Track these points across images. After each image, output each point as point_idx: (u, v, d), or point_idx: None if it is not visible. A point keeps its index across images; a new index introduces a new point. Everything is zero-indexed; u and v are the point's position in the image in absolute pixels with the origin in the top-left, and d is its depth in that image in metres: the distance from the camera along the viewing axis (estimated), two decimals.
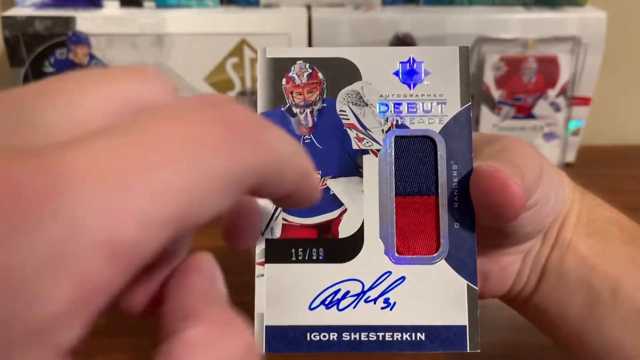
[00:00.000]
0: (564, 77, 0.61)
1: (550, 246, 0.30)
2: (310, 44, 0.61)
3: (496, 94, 0.62)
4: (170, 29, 0.59)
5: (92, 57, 0.60)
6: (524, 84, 0.61)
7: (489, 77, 0.61)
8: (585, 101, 0.63)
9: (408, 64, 0.26)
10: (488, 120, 0.63)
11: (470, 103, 0.26)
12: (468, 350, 0.24)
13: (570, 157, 0.64)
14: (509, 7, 0.62)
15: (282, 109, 0.26)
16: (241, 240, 0.22)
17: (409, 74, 0.26)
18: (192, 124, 0.13)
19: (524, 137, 0.59)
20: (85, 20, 0.59)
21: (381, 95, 0.26)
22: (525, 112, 0.62)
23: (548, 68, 0.61)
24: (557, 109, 0.63)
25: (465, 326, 0.24)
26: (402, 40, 0.59)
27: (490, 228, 0.26)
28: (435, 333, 0.24)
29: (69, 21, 0.59)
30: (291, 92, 0.26)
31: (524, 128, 0.63)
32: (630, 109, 0.73)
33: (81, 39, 0.59)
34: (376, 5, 0.63)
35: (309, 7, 0.62)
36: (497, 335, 0.40)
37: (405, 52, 0.26)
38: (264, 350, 0.24)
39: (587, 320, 0.29)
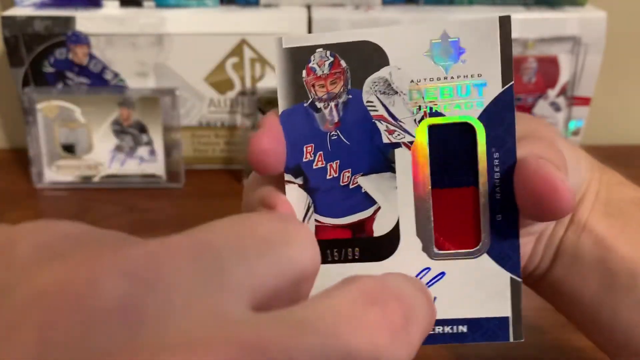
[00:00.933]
0: (564, 77, 0.61)
1: (565, 226, 0.29)
2: None
3: None
4: (170, 28, 0.59)
5: (91, 57, 0.60)
6: (524, 84, 0.61)
7: None
8: (585, 101, 0.63)
9: (441, 43, 0.23)
10: None
11: (512, 82, 0.23)
12: (511, 340, 0.24)
13: None
14: (509, 7, 0.62)
15: (305, 105, 0.24)
16: (270, 161, 0.23)
17: (443, 54, 0.23)
18: None
19: None
20: (84, 20, 0.59)
21: (412, 81, 0.23)
22: (526, 112, 0.62)
23: (548, 68, 0.61)
24: (557, 109, 0.63)
25: (508, 317, 0.24)
26: None
27: None
28: (477, 325, 0.24)
29: (68, 21, 0.59)
30: (313, 85, 0.24)
31: None
32: (630, 109, 0.73)
33: (81, 39, 0.59)
34: (376, 5, 0.63)
35: (309, 7, 0.62)
36: None
37: (438, 28, 0.23)
38: None
39: (603, 302, 0.28)
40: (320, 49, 0.24)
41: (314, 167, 0.24)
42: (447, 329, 0.24)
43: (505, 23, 0.23)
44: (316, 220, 0.24)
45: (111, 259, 0.13)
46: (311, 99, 0.24)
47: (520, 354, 0.38)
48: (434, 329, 0.24)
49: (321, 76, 0.24)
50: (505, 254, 0.24)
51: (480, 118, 0.23)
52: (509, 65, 0.23)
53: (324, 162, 0.24)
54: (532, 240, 0.30)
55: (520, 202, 0.23)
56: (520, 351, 0.39)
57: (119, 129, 0.61)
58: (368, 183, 0.24)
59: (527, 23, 0.60)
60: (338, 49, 0.23)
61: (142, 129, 0.61)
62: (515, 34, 0.60)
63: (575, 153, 0.29)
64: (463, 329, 0.24)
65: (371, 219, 0.24)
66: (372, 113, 0.24)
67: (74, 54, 0.59)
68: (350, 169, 0.24)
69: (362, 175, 0.24)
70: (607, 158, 0.31)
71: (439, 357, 0.39)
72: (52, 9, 0.60)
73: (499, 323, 0.24)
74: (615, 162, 0.32)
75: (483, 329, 0.24)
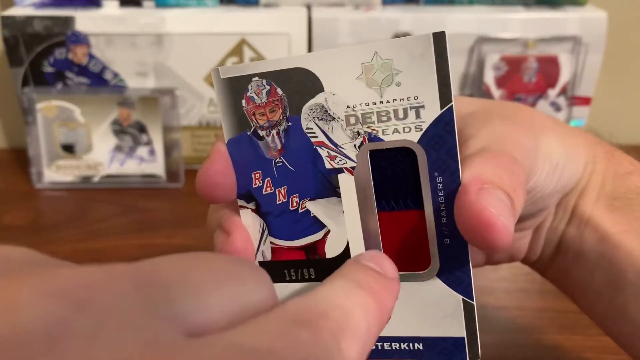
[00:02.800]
0: (564, 76, 0.61)
1: (566, 221, 0.28)
2: (310, 44, 0.60)
3: (496, 93, 0.61)
4: (170, 28, 0.59)
5: (91, 56, 0.60)
6: (524, 84, 0.61)
7: (489, 77, 0.61)
8: (585, 101, 0.63)
9: (374, 65, 0.22)
10: None
11: (452, 103, 0.22)
12: None
13: None
14: (509, 7, 0.62)
15: (248, 133, 0.24)
16: (218, 193, 0.24)
17: (376, 77, 0.22)
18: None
19: None
20: (84, 20, 0.59)
21: (348, 107, 0.23)
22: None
23: (548, 68, 0.61)
24: (557, 108, 0.62)
25: (463, 337, 0.24)
26: None
27: None
28: (433, 344, 0.24)
29: (68, 21, 0.59)
30: (253, 114, 0.24)
31: None
32: (630, 109, 0.73)
33: (80, 39, 0.59)
34: (376, 4, 0.63)
35: (308, 7, 0.62)
36: (497, 335, 0.40)
37: (369, 50, 0.22)
38: None
39: (611, 299, 0.27)
40: (256, 78, 0.23)
41: (264, 192, 0.24)
42: (404, 346, 0.24)
43: (439, 40, 0.21)
44: (271, 242, 0.25)
45: (39, 280, 0.13)
46: (253, 127, 0.24)
47: (520, 354, 0.38)
48: (390, 345, 0.24)
49: (260, 105, 0.24)
50: (456, 277, 0.23)
51: (420, 142, 0.22)
52: (447, 84, 0.21)
53: (273, 188, 0.24)
54: (528, 233, 0.29)
55: (460, 229, 0.22)
56: (521, 351, 0.39)
57: (119, 129, 0.61)
58: (316, 207, 0.24)
59: (527, 23, 0.60)
60: (273, 77, 0.23)
61: (142, 129, 0.61)
62: (515, 33, 0.60)
63: (573, 142, 0.28)
64: (419, 346, 0.24)
65: (322, 241, 0.24)
66: (312, 139, 0.24)
67: (73, 54, 0.59)
68: (297, 194, 0.24)
69: (309, 200, 0.24)
70: None
71: None
72: (51, 8, 0.60)
73: (455, 342, 0.24)
74: None
75: (439, 347, 0.24)
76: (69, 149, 0.62)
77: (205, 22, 0.60)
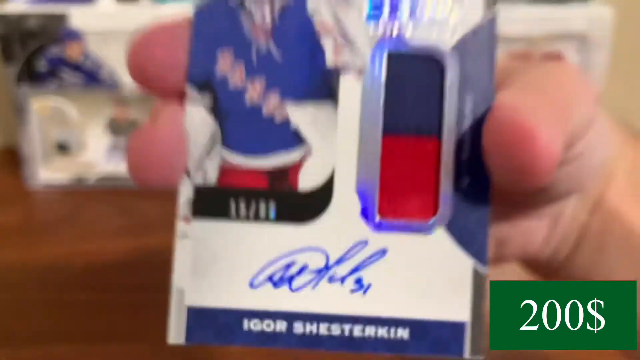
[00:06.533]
0: None
1: (589, 211, 0.25)
2: None
3: None
4: None
5: (86, 54, 0.59)
6: None
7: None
8: None
9: None
10: None
11: (496, 7, 0.19)
12: (467, 357, 0.18)
13: None
14: (514, 4, 0.61)
15: (230, 1, 0.18)
16: (159, 171, 0.18)
17: None
18: None
19: None
20: (79, 17, 0.58)
21: None
22: None
23: None
24: None
25: (465, 323, 0.18)
26: None
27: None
28: (423, 330, 0.18)
29: (63, 17, 0.58)
30: None
31: None
32: (637, 106, 0.72)
33: (75, 36, 0.58)
34: None
35: None
36: None
37: None
38: (183, 340, 0.18)
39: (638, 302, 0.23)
40: None
41: (230, 81, 0.18)
42: (382, 332, 0.18)
43: None
44: (222, 158, 0.18)
45: None
46: None
47: (520, 354, 0.37)
48: (363, 330, 0.18)
49: None
50: (470, 233, 0.18)
51: (454, 50, 0.18)
52: None
53: (244, 78, 0.18)
54: (545, 224, 0.26)
55: (488, 160, 0.18)
56: (521, 352, 0.38)
57: (115, 128, 0.61)
58: (300, 114, 0.18)
59: (532, 20, 0.59)
60: None
61: None
62: (520, 31, 0.59)
63: (609, 121, 0.24)
64: (403, 334, 0.18)
65: (297, 165, 0.18)
66: (317, 24, 0.18)
67: (68, 52, 0.59)
68: (278, 92, 0.18)
69: (293, 103, 0.18)
70: None
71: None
72: (46, 5, 0.59)
73: (452, 330, 0.18)
74: None
75: (430, 336, 0.18)
76: (63, 148, 0.61)
77: None
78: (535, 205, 0.24)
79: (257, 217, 0.18)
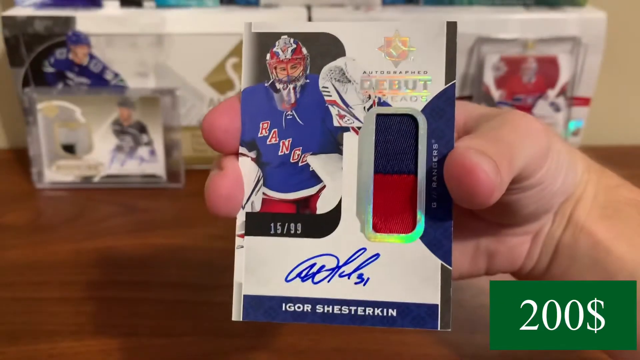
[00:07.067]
0: (563, 77, 0.61)
1: (563, 227, 0.29)
2: None
3: (496, 94, 0.62)
4: (170, 28, 0.59)
5: (92, 57, 0.60)
6: (523, 84, 0.61)
7: (488, 78, 0.61)
8: (585, 101, 0.63)
9: (393, 40, 0.25)
10: None
11: (454, 81, 0.25)
12: (439, 329, 0.24)
13: None
14: (509, 7, 0.62)
15: (266, 85, 0.26)
16: (226, 205, 0.25)
17: (394, 50, 0.25)
18: None
19: None
20: (85, 20, 0.59)
21: (364, 72, 0.25)
22: (526, 112, 0.62)
23: (548, 68, 0.61)
24: (557, 109, 0.63)
25: (437, 305, 0.24)
26: None
27: (493, 205, 0.25)
28: (407, 310, 0.24)
29: (68, 21, 0.59)
30: (275, 68, 0.26)
31: None
32: (630, 109, 0.73)
33: (81, 39, 0.59)
34: (376, 5, 0.63)
35: (309, 7, 0.62)
36: None
37: (391, 27, 0.25)
38: (241, 318, 0.25)
39: None
40: (285, 36, 0.26)
41: (268, 142, 0.26)
42: (377, 312, 0.25)
43: (451, 28, 0.25)
44: (264, 193, 0.26)
45: None
46: (272, 80, 0.26)
47: (520, 354, 0.38)
48: (364, 310, 0.25)
49: (283, 60, 0.26)
50: (438, 241, 0.25)
51: (424, 111, 0.25)
52: (453, 65, 0.25)
53: (278, 139, 0.26)
54: (528, 239, 0.30)
55: (448, 187, 0.24)
56: (521, 351, 0.39)
57: (119, 129, 0.61)
58: (316, 162, 0.26)
59: (527, 23, 0.60)
60: (301, 38, 0.26)
61: (142, 129, 0.61)
62: (515, 34, 0.60)
63: (572, 154, 0.29)
64: (393, 312, 0.25)
65: (316, 196, 0.26)
66: (326, 97, 0.26)
67: (74, 54, 0.60)
68: (301, 147, 0.26)
69: (311, 155, 0.26)
70: (606, 158, 0.31)
71: (439, 357, 0.39)
72: (52, 8, 0.60)
73: (428, 310, 0.24)
74: (615, 163, 0.32)
75: (412, 314, 0.25)
76: (69, 149, 0.62)
77: (205, 23, 0.60)
78: (516, 224, 0.30)
79: (288, 233, 0.25)
